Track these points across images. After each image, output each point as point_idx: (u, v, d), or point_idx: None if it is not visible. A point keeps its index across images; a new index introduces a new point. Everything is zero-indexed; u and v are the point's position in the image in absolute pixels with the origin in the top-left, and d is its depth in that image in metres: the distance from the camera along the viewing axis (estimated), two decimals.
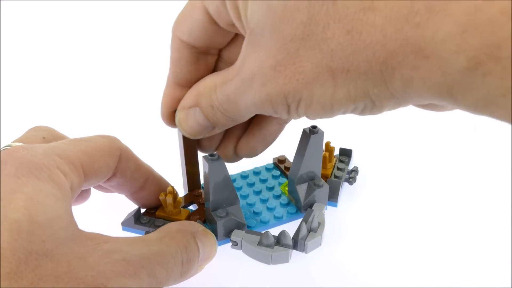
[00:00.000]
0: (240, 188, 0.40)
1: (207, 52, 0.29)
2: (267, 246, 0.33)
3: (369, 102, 0.22)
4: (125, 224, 0.35)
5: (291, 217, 0.37)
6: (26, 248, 0.21)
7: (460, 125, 0.51)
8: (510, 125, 0.48)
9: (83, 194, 0.33)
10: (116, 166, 0.30)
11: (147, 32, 0.72)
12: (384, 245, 0.36)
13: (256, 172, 0.41)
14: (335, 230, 0.37)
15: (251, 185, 0.40)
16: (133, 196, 0.34)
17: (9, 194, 0.22)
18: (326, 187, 0.37)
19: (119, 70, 0.63)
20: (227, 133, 0.34)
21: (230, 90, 0.26)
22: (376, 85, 0.21)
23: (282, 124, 0.34)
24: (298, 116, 0.24)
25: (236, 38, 0.29)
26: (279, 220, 0.37)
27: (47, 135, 0.30)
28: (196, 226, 0.31)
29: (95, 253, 0.23)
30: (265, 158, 0.43)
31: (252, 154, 0.34)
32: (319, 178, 0.37)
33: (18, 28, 0.73)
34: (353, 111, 0.23)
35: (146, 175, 0.33)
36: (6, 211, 0.22)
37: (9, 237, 0.21)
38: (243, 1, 0.23)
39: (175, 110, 0.31)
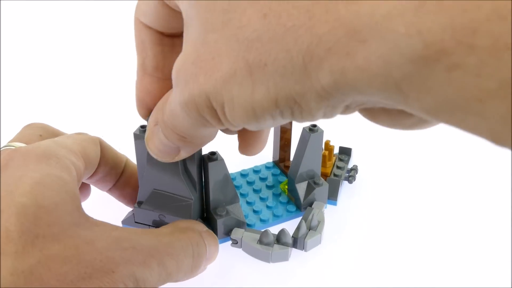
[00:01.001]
0: (239, 187, 0.40)
1: (172, 36, 0.25)
2: (267, 244, 0.33)
3: (294, 105, 0.18)
4: (126, 223, 0.35)
5: (290, 215, 0.37)
6: (32, 231, 0.21)
7: None
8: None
9: (83, 192, 0.34)
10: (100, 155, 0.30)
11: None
12: (384, 243, 0.36)
13: (255, 171, 0.41)
14: (334, 228, 0.37)
15: (251, 183, 0.40)
16: (118, 188, 0.34)
17: (17, 179, 0.23)
18: (325, 186, 0.37)
19: (118, 69, 0.63)
20: None
21: (172, 109, 0.22)
22: (299, 82, 0.17)
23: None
24: (231, 124, 0.20)
25: None
26: (278, 218, 0.37)
27: (43, 133, 0.30)
28: (201, 226, 0.31)
29: (103, 239, 0.23)
30: (265, 156, 0.43)
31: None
32: (319, 176, 0.37)
33: (15, 29, 0.72)
34: (283, 117, 0.19)
35: (123, 158, 0.33)
36: (13, 196, 0.22)
37: (16, 220, 0.21)
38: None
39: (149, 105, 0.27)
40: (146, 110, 0.27)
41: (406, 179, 0.43)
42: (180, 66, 0.20)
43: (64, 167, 0.25)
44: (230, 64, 0.18)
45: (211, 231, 0.31)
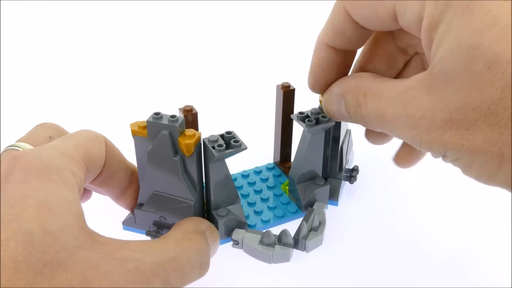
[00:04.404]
0: (241, 187, 0.40)
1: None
2: (268, 245, 0.33)
3: None
4: (126, 224, 0.35)
5: (291, 216, 0.37)
6: (40, 260, 0.21)
7: None
8: None
9: (85, 194, 0.33)
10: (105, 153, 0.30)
11: (147, 32, 0.72)
12: (385, 244, 0.36)
13: (256, 172, 0.41)
14: (336, 229, 0.37)
15: (252, 184, 0.40)
16: (126, 197, 0.34)
17: (21, 201, 0.22)
18: (326, 186, 0.37)
19: (121, 69, 0.63)
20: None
21: (387, 111, 0.25)
22: None
23: None
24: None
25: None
26: (280, 219, 0.37)
27: (53, 134, 0.30)
28: (205, 224, 0.31)
29: (108, 261, 0.23)
30: (266, 157, 0.43)
31: (411, 164, 0.36)
32: (320, 177, 0.37)
33: (19, 28, 0.73)
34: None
35: (131, 166, 0.33)
36: (19, 222, 0.22)
37: (23, 249, 0.21)
38: (436, 20, 0.23)
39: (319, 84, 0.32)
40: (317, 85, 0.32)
41: (407, 179, 0.43)
42: (427, 115, 0.23)
43: (66, 182, 0.25)
44: (484, 144, 0.21)
45: (213, 227, 0.32)
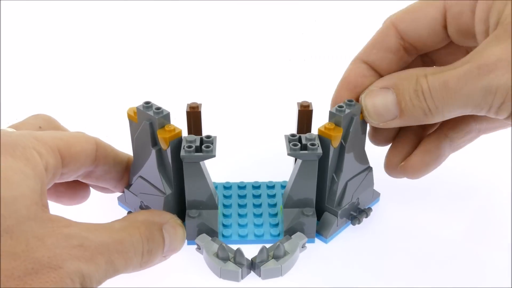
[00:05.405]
0: (244, 196, 0.39)
1: (410, 51, 0.32)
2: (221, 259, 0.32)
3: None
4: (120, 200, 0.38)
5: (271, 238, 0.35)
6: None
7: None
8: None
9: (82, 193, 0.35)
10: (96, 154, 0.31)
11: (144, 32, 0.72)
12: None
13: (269, 186, 0.40)
14: (309, 266, 0.34)
15: (256, 197, 0.39)
16: (123, 185, 0.35)
17: None
18: (313, 218, 0.34)
19: (121, 69, 0.63)
20: (395, 143, 0.35)
21: (453, 76, 0.27)
22: None
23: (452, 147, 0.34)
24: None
25: (447, 47, 0.32)
26: (257, 238, 0.35)
27: (44, 125, 0.32)
28: (166, 217, 0.31)
29: (54, 235, 0.24)
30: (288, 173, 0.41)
31: (420, 172, 0.34)
32: (311, 207, 0.35)
33: (19, 28, 0.74)
34: None
35: (126, 157, 0.34)
36: None
37: None
38: (503, 1, 0.26)
39: (353, 88, 0.33)
40: (347, 88, 0.33)
41: (422, 245, 0.36)
42: (504, 56, 0.25)
43: (30, 160, 0.26)
44: None
45: (177, 222, 0.31)
